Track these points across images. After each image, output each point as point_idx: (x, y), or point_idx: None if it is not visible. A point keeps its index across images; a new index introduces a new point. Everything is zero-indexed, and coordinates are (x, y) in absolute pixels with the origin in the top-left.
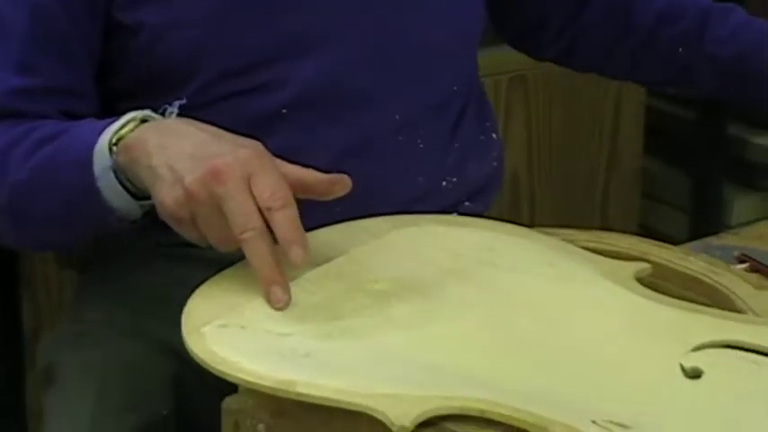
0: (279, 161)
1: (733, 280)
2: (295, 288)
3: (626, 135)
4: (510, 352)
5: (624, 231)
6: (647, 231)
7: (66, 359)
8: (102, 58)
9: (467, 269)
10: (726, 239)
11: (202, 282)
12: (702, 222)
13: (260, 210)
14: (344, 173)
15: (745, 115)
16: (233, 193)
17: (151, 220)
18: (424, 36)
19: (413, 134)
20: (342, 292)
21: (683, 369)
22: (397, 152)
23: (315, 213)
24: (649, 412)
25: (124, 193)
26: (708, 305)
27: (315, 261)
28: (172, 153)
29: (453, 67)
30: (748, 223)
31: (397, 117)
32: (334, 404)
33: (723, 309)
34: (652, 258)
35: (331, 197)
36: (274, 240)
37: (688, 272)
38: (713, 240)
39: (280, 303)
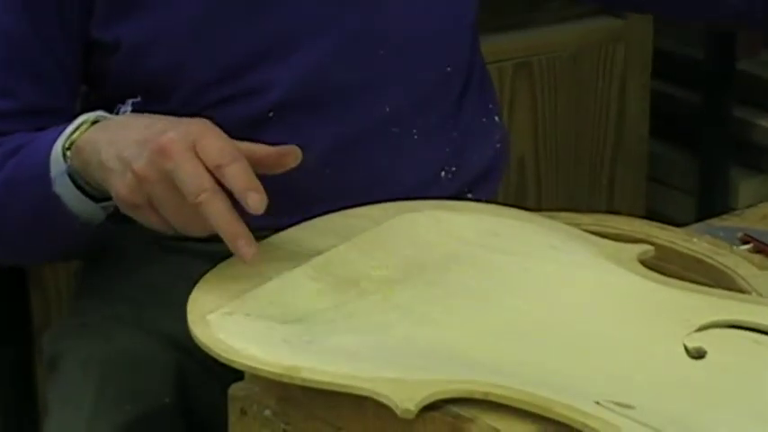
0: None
1: (736, 261)
2: (299, 275)
3: (631, 119)
4: (513, 335)
5: (631, 215)
6: (653, 215)
7: (68, 351)
8: (88, 71)
9: (469, 254)
10: (729, 221)
11: (205, 273)
12: (709, 205)
13: (211, 173)
14: (338, 169)
15: (751, 98)
16: (180, 163)
17: None
18: (410, 25)
19: (406, 125)
20: (344, 279)
21: (686, 349)
22: (391, 145)
23: (315, 210)
24: (653, 392)
25: (82, 196)
26: (711, 286)
27: (317, 248)
28: (119, 145)
29: (445, 53)
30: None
31: (387, 109)
32: (339, 389)
33: (726, 289)
34: (655, 240)
35: (282, 170)
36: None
37: (691, 253)
38: (716, 222)
39: (248, 257)
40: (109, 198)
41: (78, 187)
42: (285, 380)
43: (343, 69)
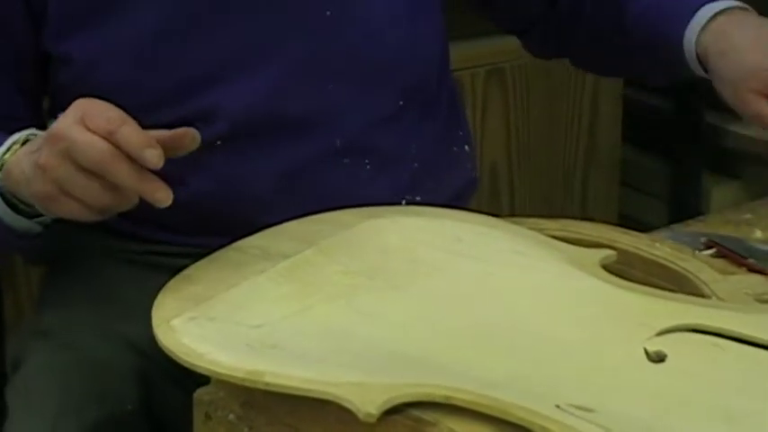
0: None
1: (698, 265)
2: (264, 279)
3: (604, 125)
4: (475, 339)
5: (604, 221)
6: (626, 220)
7: (30, 355)
8: (47, 87)
9: (433, 259)
10: (693, 226)
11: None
12: (681, 210)
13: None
14: (289, 197)
15: (723, 103)
16: (72, 139)
17: (121, 227)
18: (365, 54)
19: (357, 156)
20: (309, 284)
21: (647, 353)
22: (342, 176)
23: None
24: (613, 396)
25: (15, 214)
26: (673, 290)
27: (283, 253)
28: (30, 155)
29: (402, 82)
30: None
31: (337, 142)
32: (301, 393)
33: (688, 294)
34: (618, 245)
35: (184, 152)
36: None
37: (654, 258)
38: (681, 227)
39: (168, 200)
40: (41, 214)
41: (10, 205)
42: (248, 384)
43: (292, 100)
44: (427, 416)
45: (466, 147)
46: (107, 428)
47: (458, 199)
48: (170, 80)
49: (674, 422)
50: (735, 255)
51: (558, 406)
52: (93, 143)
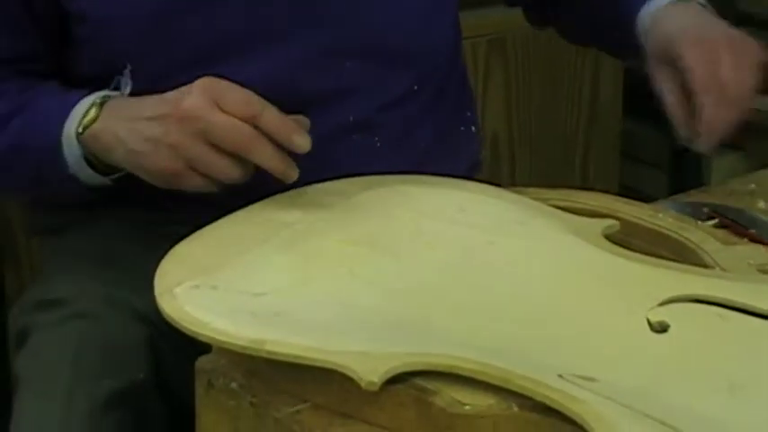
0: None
1: (700, 236)
2: (267, 248)
3: (605, 96)
4: (478, 309)
5: (604, 191)
6: (627, 191)
7: (38, 326)
8: (64, 49)
9: (436, 228)
10: (696, 196)
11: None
12: (682, 182)
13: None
14: (301, 171)
15: None
16: (211, 121)
17: (126, 195)
18: (382, 37)
19: (368, 133)
20: (313, 252)
21: (649, 323)
22: (352, 151)
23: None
24: (616, 366)
25: (96, 175)
26: (676, 261)
27: (286, 222)
28: (139, 128)
29: (417, 64)
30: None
31: (350, 118)
32: (303, 362)
33: (691, 264)
34: (621, 215)
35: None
36: None
37: (656, 228)
38: (683, 197)
39: (294, 177)
40: (119, 171)
41: (91, 166)
42: (250, 352)
43: (305, 78)
44: (430, 385)
45: (473, 127)
46: (121, 398)
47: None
48: (184, 49)
49: (676, 392)
50: (737, 225)
51: (560, 375)
52: (235, 127)
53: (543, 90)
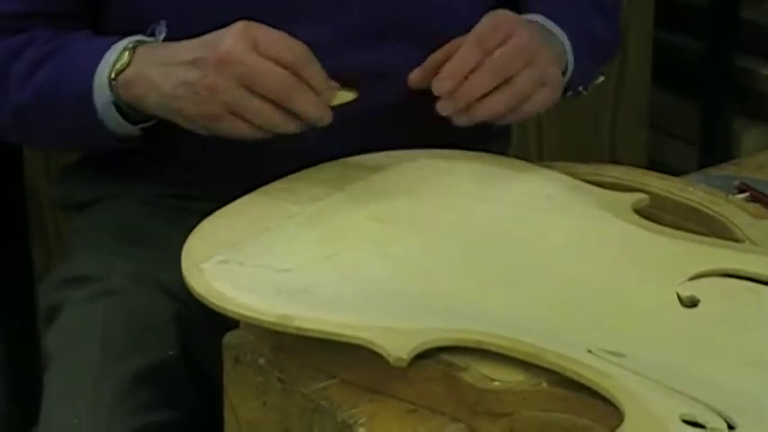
0: None
1: (731, 210)
2: (294, 224)
3: (634, 67)
4: (507, 285)
5: (632, 164)
6: (655, 164)
7: (67, 303)
8: (97, 9)
9: (465, 204)
10: (726, 170)
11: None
12: (711, 154)
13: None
14: (329, 150)
15: (755, 46)
16: (252, 65)
17: (152, 171)
18: (426, 25)
19: (401, 113)
20: (340, 228)
21: (679, 298)
22: (382, 131)
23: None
24: (646, 341)
25: (125, 123)
26: (706, 235)
27: (314, 197)
28: (175, 72)
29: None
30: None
31: (391, 99)
32: (333, 338)
33: (721, 238)
34: (651, 189)
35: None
36: None
37: (686, 202)
38: (713, 171)
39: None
40: (149, 120)
41: (122, 115)
42: (278, 328)
43: (349, 54)
44: (458, 360)
45: None
46: (150, 377)
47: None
48: (217, 11)
49: (706, 367)
50: None
51: (590, 351)
52: (275, 73)
53: None
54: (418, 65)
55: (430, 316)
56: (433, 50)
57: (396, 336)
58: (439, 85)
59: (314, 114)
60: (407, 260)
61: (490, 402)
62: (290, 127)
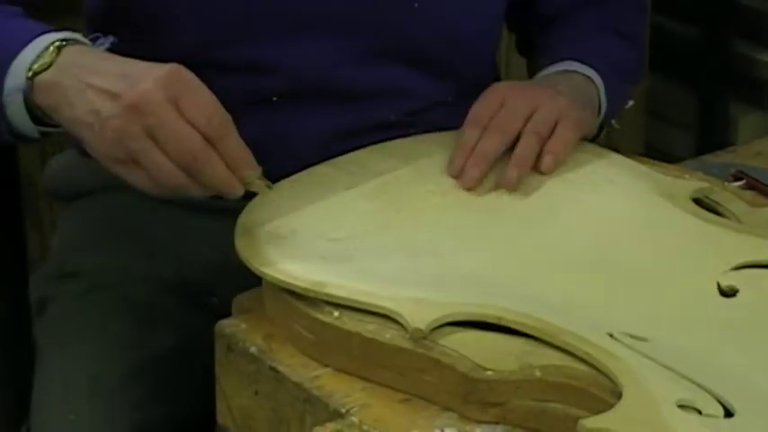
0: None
1: (727, 197)
2: (354, 194)
3: None
4: (547, 264)
5: (629, 150)
6: (652, 150)
7: (59, 296)
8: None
9: (526, 183)
10: (723, 157)
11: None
12: (708, 140)
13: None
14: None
15: (752, 32)
16: (164, 121)
17: None
18: (435, 49)
19: (404, 128)
20: (402, 199)
21: (719, 287)
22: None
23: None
24: (673, 327)
25: (27, 118)
26: None
27: (379, 170)
28: (90, 95)
29: (463, 78)
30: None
31: (392, 117)
32: (357, 305)
33: None
34: None
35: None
36: None
37: None
38: (710, 158)
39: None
40: (52, 126)
41: (28, 110)
42: (310, 294)
43: (358, 72)
44: (451, 350)
45: None
46: (148, 369)
47: None
48: (223, 19)
49: (732, 360)
50: (765, 186)
51: (610, 334)
52: (188, 139)
53: None
54: (418, 84)
55: (460, 290)
56: (435, 71)
57: (420, 307)
58: (450, 169)
59: (222, 189)
60: (459, 234)
61: (483, 392)
62: (195, 192)
